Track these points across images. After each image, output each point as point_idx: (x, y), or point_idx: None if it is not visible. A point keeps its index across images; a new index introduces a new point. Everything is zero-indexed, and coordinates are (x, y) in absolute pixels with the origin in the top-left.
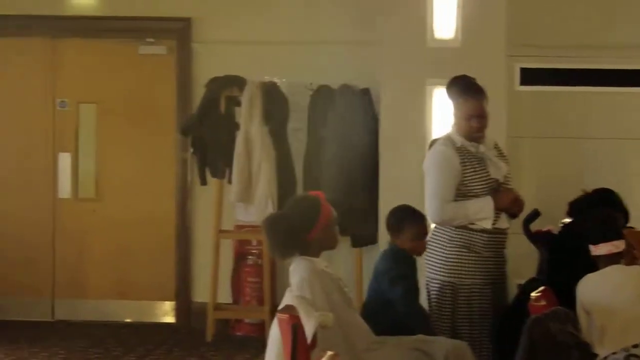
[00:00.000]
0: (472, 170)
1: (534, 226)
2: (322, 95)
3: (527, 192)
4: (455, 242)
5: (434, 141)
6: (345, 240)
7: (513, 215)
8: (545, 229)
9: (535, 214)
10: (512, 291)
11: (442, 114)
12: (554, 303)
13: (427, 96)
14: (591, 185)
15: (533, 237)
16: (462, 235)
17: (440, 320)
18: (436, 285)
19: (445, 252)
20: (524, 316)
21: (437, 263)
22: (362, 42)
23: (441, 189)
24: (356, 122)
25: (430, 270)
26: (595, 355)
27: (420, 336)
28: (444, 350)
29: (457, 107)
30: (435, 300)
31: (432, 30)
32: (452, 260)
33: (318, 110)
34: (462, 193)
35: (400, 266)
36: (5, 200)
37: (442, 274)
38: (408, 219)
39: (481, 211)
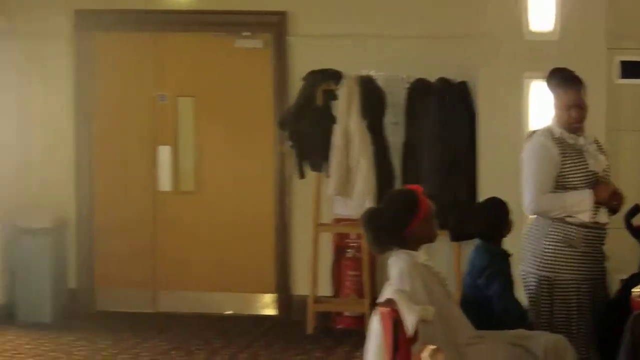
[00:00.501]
0: (571, 162)
1: (635, 221)
2: (419, 88)
3: (627, 186)
4: (552, 236)
5: (533, 132)
6: (444, 234)
7: (613, 211)
8: None
9: (636, 209)
10: (614, 287)
11: (539, 107)
12: None
13: (524, 89)
14: None
15: (635, 231)
16: (559, 228)
17: (537, 315)
18: (533, 279)
19: (542, 246)
20: (627, 312)
21: (534, 257)
22: (459, 35)
23: (539, 180)
24: (453, 116)
25: (527, 264)
26: None
27: (519, 331)
28: (543, 345)
29: (556, 98)
30: (532, 294)
31: (530, 23)
32: (549, 254)
33: (415, 104)
34: (560, 185)
35: (496, 262)
36: (108, 193)
37: (539, 268)
38: (505, 212)
39: (580, 203)
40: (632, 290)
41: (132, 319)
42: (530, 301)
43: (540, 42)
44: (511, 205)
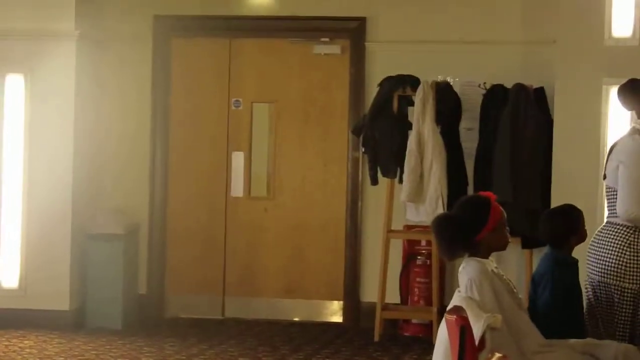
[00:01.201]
0: None
1: None
2: (495, 94)
3: None
4: (638, 246)
5: (632, 130)
6: (516, 242)
7: None
8: None
9: None
10: None
11: (618, 113)
12: None
13: (603, 96)
14: None
15: None
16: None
17: (615, 326)
18: (617, 290)
19: (625, 256)
20: None
21: (614, 268)
22: (536, 41)
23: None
24: (529, 122)
25: (604, 276)
26: None
27: (589, 340)
28: (614, 354)
29: None
30: (617, 304)
31: (609, 29)
32: (633, 265)
33: (491, 110)
34: None
35: (555, 270)
36: (180, 199)
37: (621, 279)
38: (579, 218)
39: None
40: None
41: (200, 325)
42: (616, 311)
43: (620, 47)
44: (585, 213)
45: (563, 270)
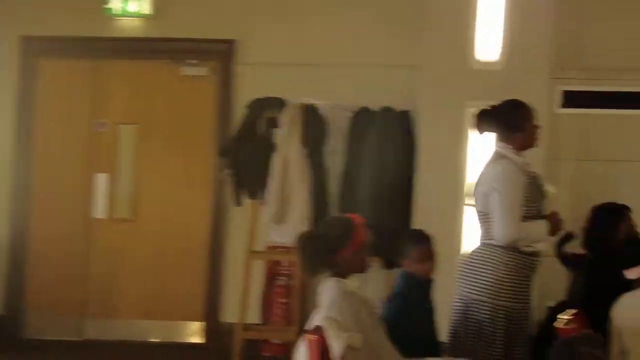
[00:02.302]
0: (530, 189)
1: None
2: (361, 117)
3: (565, 216)
4: (511, 265)
5: (497, 155)
6: (379, 261)
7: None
8: (579, 251)
9: (569, 236)
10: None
11: (481, 137)
12: (585, 327)
13: (467, 119)
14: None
15: (566, 259)
16: (516, 257)
17: (491, 346)
18: (487, 308)
19: (501, 274)
20: (554, 339)
21: (489, 286)
22: (403, 65)
23: (515, 208)
24: (394, 145)
25: (479, 294)
26: None
27: (447, 358)
28: None
29: (526, 120)
30: (488, 325)
31: (474, 52)
32: (507, 283)
33: (357, 132)
34: (522, 213)
35: (403, 289)
36: (42, 220)
37: (495, 297)
38: (411, 240)
39: (542, 233)
40: (559, 316)
41: (59, 347)
42: (485, 331)
43: (485, 71)
44: (447, 234)
45: (412, 289)
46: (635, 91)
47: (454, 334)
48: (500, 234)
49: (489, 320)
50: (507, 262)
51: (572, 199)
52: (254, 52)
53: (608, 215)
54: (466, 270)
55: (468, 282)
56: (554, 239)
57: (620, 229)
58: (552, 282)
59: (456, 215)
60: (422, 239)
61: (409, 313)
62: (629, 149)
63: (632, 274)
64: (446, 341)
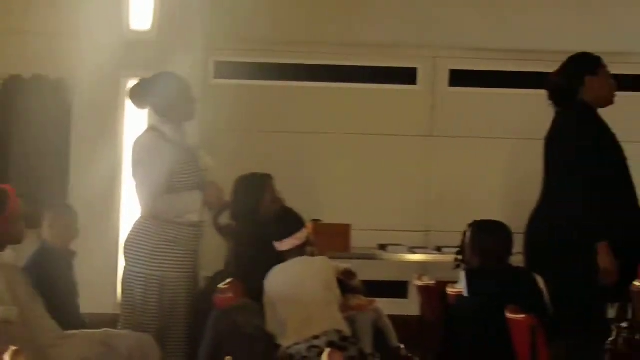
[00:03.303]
0: (182, 161)
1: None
2: (12, 85)
3: (223, 185)
4: (162, 236)
5: (148, 128)
6: None
7: (211, 208)
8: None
9: (226, 207)
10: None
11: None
12: (241, 295)
13: (121, 90)
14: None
15: (221, 230)
16: (169, 228)
17: (145, 315)
18: (141, 279)
19: (153, 245)
20: (212, 308)
21: (144, 257)
22: (57, 32)
23: (156, 180)
24: (49, 115)
25: (134, 264)
26: (279, 346)
27: (106, 330)
28: (128, 344)
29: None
30: (140, 295)
31: (129, 22)
32: (159, 254)
33: (8, 102)
34: (172, 185)
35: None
36: None
37: (149, 268)
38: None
39: (193, 204)
40: (218, 287)
41: None
42: (137, 302)
43: (138, 41)
44: (103, 205)
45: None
46: (292, 63)
47: (124, 307)
48: (142, 205)
49: (142, 290)
50: (160, 233)
51: (231, 170)
52: None
53: (251, 186)
54: (126, 243)
55: (126, 255)
56: (214, 210)
57: (265, 199)
58: (216, 252)
59: (113, 188)
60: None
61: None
62: (293, 119)
63: (283, 245)
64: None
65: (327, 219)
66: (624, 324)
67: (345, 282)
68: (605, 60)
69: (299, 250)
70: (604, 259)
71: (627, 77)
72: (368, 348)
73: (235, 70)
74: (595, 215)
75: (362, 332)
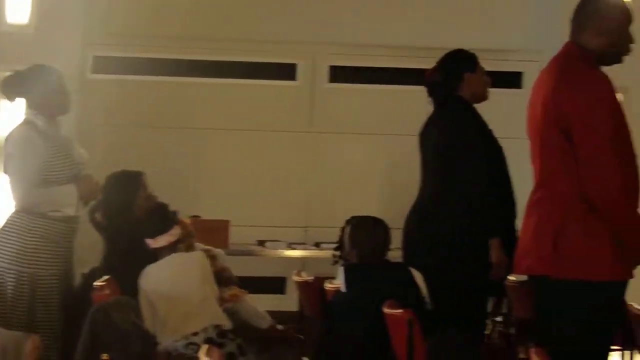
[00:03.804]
0: (56, 155)
1: None
2: None
3: (99, 179)
4: (34, 232)
5: (22, 121)
6: None
7: (86, 202)
8: None
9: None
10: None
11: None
12: (117, 292)
13: None
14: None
15: (98, 224)
16: (41, 223)
17: (14, 312)
18: (12, 275)
19: (24, 241)
20: (89, 305)
21: (15, 253)
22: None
23: (27, 174)
24: None
25: (4, 260)
26: (157, 344)
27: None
28: (3, 343)
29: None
30: (11, 291)
31: (4, 14)
32: (31, 250)
33: None
34: (45, 178)
35: None
36: None
37: (20, 264)
38: None
39: (67, 198)
40: (95, 284)
41: None
42: (9, 298)
43: (14, 34)
44: None
45: None
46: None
47: None
48: (16, 199)
49: (13, 287)
50: (32, 228)
51: (108, 165)
52: None
53: (123, 183)
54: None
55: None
56: (90, 204)
57: (139, 196)
58: (93, 248)
59: None
60: None
61: None
62: (173, 114)
63: (157, 242)
64: None
65: (207, 215)
66: (499, 318)
67: (220, 274)
68: (481, 57)
69: (172, 247)
70: (497, 254)
71: (501, 73)
72: (265, 324)
73: (114, 65)
74: (486, 211)
75: (249, 317)
